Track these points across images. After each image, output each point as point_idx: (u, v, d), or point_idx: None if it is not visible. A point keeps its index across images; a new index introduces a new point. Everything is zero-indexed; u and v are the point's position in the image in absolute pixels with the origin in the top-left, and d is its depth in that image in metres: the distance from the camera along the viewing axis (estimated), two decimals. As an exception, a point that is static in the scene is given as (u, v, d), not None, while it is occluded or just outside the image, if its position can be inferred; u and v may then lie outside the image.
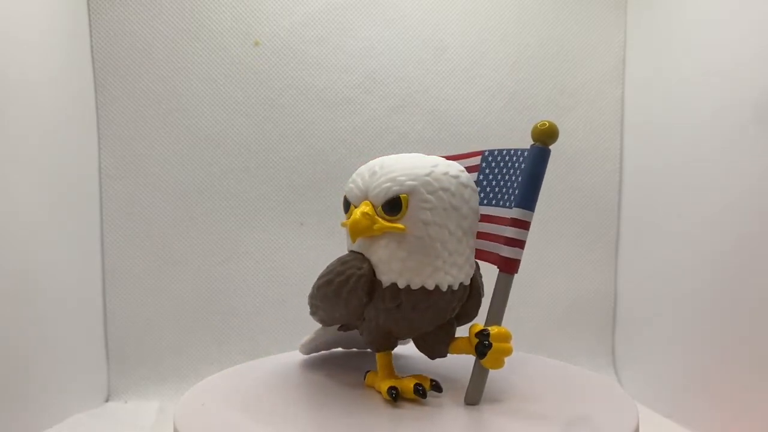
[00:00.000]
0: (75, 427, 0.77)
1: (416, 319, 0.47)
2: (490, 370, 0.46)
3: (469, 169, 0.50)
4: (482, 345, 0.45)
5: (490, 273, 0.48)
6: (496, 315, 0.46)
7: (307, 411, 0.46)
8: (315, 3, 0.94)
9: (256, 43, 0.93)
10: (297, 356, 0.62)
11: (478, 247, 0.47)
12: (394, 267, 0.45)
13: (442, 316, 0.47)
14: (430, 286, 0.45)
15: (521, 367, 0.58)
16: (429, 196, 0.44)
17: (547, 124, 0.44)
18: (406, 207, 0.45)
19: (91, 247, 0.89)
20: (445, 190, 0.45)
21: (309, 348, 0.60)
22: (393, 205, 0.45)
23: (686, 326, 0.83)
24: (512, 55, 0.98)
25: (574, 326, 1.01)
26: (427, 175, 0.45)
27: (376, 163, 0.47)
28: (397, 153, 0.48)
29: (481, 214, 0.47)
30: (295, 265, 0.95)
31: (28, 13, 0.75)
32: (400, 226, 0.45)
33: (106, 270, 0.91)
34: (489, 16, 0.98)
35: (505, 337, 0.45)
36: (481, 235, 0.47)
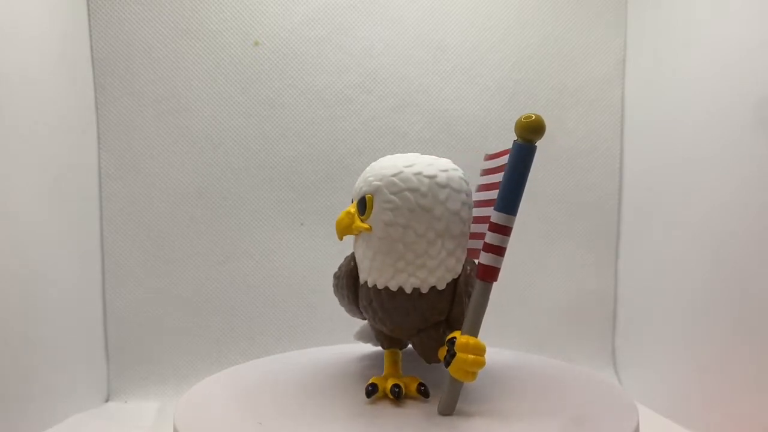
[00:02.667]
0: (75, 427, 0.77)
1: (388, 320, 0.47)
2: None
3: (501, 168, 0.50)
4: (448, 354, 0.43)
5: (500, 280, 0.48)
6: (471, 324, 0.43)
7: (306, 411, 0.46)
8: (315, 3, 0.94)
9: (256, 43, 0.93)
10: (297, 356, 0.63)
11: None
12: (365, 266, 0.47)
13: (414, 318, 0.46)
14: (394, 287, 0.45)
15: (521, 366, 0.58)
16: (392, 197, 0.44)
17: (533, 117, 0.39)
18: (371, 207, 0.45)
19: (91, 247, 0.89)
20: (413, 190, 0.44)
21: (359, 336, 0.61)
22: (362, 205, 0.46)
23: (687, 326, 0.83)
24: (512, 55, 0.98)
25: (574, 326, 1.01)
26: (394, 175, 0.45)
27: (370, 164, 0.48)
28: (396, 153, 0.48)
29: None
30: (295, 265, 0.95)
31: (27, 13, 0.74)
32: (365, 225, 0.45)
33: (105, 270, 0.91)
34: (489, 16, 0.98)
35: (473, 348, 0.42)
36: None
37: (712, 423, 0.76)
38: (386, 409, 0.46)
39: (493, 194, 0.48)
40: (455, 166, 0.47)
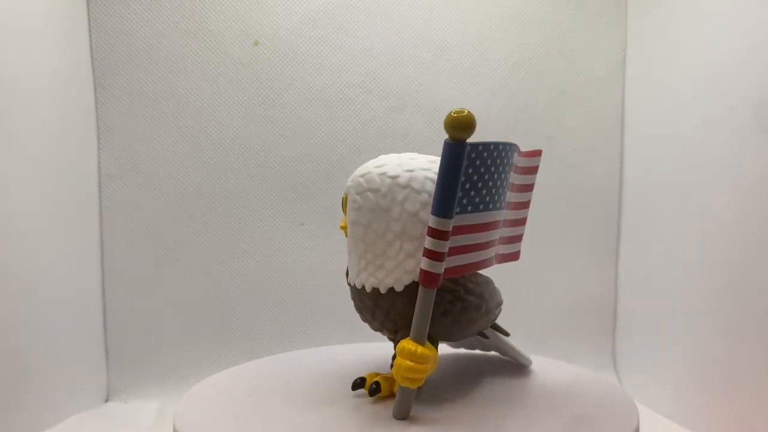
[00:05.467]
0: (75, 427, 0.77)
1: (362, 317, 0.48)
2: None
3: (533, 170, 0.49)
4: (393, 357, 0.43)
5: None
6: (416, 330, 0.42)
7: (306, 412, 0.46)
8: (315, 3, 0.94)
9: (256, 43, 0.93)
10: (296, 356, 0.63)
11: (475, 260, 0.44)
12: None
13: (380, 318, 0.47)
14: (359, 285, 0.46)
15: (522, 366, 0.58)
16: (356, 197, 0.45)
17: (465, 113, 0.38)
18: (345, 207, 0.47)
19: (91, 247, 0.89)
20: (375, 191, 0.44)
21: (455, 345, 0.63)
22: (342, 205, 0.48)
23: (687, 326, 0.83)
24: (512, 55, 0.98)
25: (574, 326, 1.01)
26: (362, 176, 0.46)
27: None
28: (396, 153, 0.48)
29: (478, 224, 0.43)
30: (295, 265, 0.95)
31: (27, 13, 0.74)
32: (342, 224, 0.48)
33: (105, 270, 0.91)
34: (489, 16, 0.98)
35: (408, 354, 0.41)
36: (473, 247, 0.43)
37: (712, 423, 0.76)
38: (368, 407, 0.47)
39: (520, 196, 0.48)
40: (428, 166, 0.45)
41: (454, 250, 0.41)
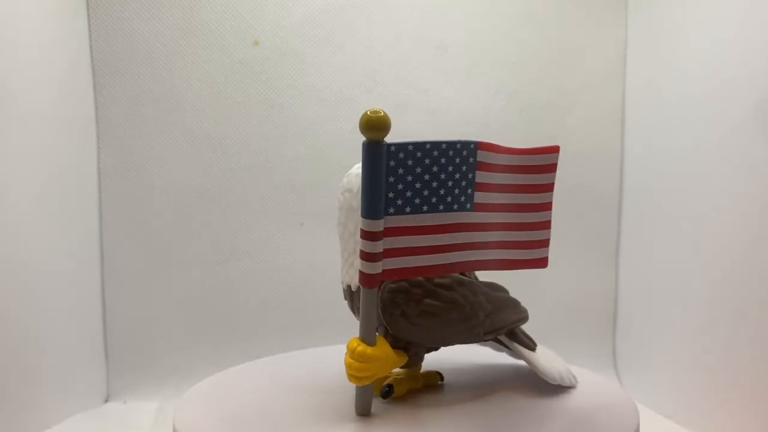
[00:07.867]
0: (74, 428, 0.77)
1: (354, 314, 0.49)
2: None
3: (547, 168, 0.48)
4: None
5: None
6: (362, 329, 0.42)
7: (305, 411, 0.46)
8: (315, 3, 0.94)
9: (256, 43, 0.93)
10: (296, 357, 0.63)
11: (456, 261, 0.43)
12: None
13: (358, 315, 0.47)
14: (341, 282, 0.48)
15: (521, 366, 0.58)
16: (340, 196, 0.47)
17: (380, 113, 0.38)
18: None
19: (90, 247, 0.89)
20: (350, 190, 0.46)
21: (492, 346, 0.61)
22: None
23: (687, 326, 0.83)
24: (512, 54, 0.98)
25: (574, 326, 1.01)
26: (346, 176, 0.47)
27: None
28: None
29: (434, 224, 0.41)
30: (295, 265, 0.95)
31: (27, 13, 0.74)
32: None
33: (105, 270, 0.91)
34: (489, 16, 0.97)
35: (349, 350, 0.42)
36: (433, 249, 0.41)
37: (713, 423, 0.76)
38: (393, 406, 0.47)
39: (531, 197, 0.46)
40: None
41: (395, 252, 0.40)
